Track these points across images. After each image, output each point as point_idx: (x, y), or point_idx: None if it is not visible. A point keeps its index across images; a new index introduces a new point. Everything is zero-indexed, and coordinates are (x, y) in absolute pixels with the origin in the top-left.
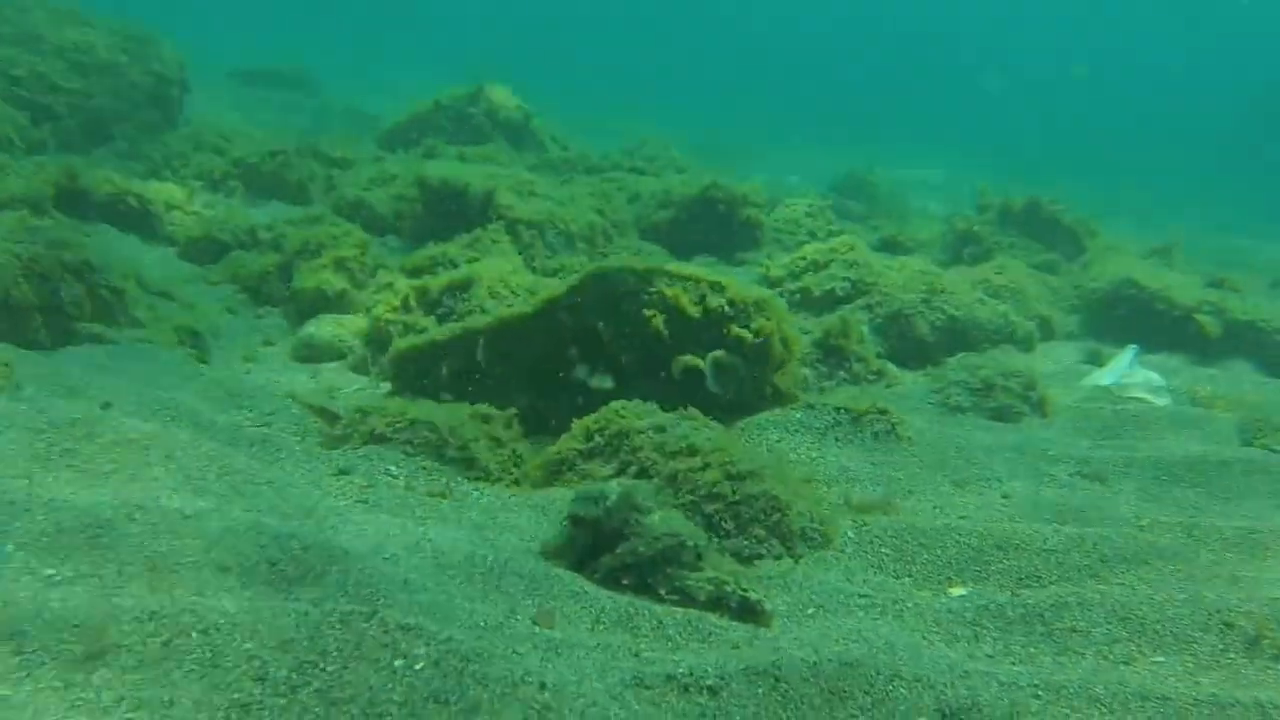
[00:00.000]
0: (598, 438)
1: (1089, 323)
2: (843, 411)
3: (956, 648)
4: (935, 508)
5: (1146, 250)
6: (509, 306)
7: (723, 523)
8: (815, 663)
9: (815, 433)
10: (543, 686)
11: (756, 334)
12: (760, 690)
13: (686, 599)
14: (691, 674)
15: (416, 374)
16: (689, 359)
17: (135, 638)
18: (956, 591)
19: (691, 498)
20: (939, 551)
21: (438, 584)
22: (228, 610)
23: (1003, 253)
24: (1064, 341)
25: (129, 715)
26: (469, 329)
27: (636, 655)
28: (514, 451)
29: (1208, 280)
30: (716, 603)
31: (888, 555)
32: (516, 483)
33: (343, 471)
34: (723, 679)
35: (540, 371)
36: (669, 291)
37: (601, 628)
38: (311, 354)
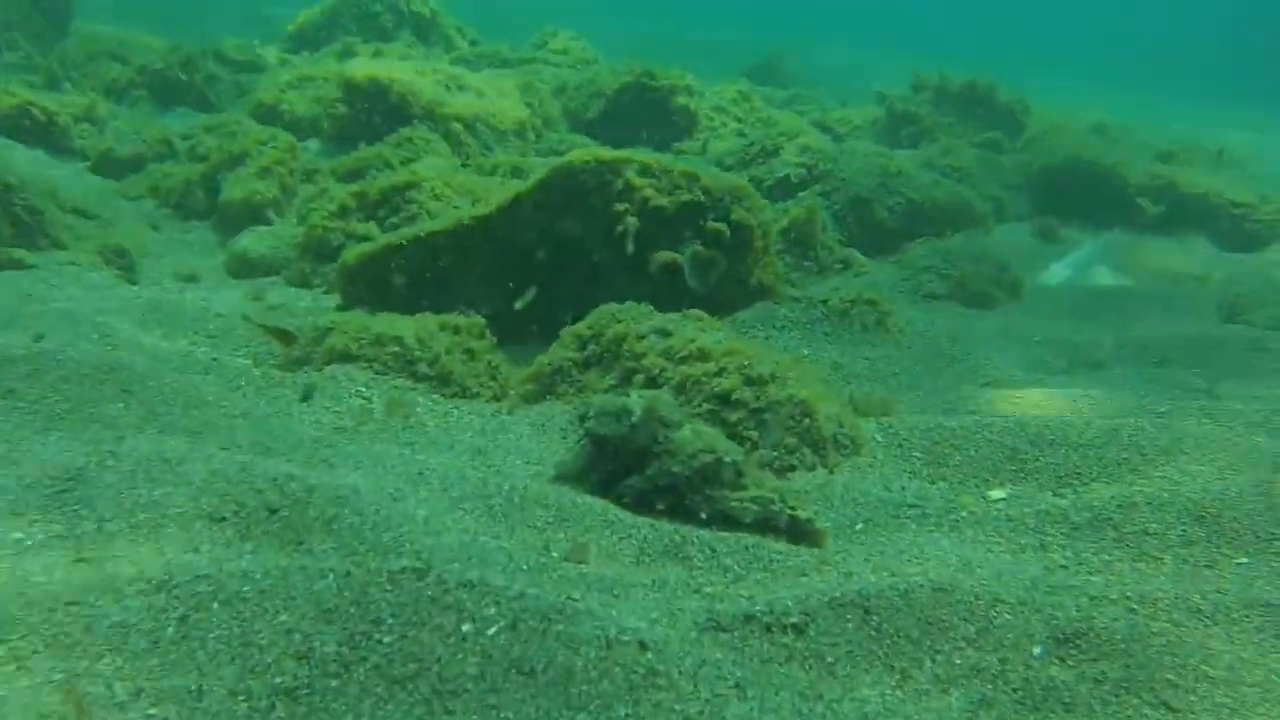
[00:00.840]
0: (592, 345)
1: (1037, 201)
2: (829, 305)
3: (1026, 559)
4: (946, 404)
5: (1089, 126)
6: (458, 208)
7: (746, 433)
8: (906, 590)
9: (803, 328)
10: (643, 646)
11: (735, 226)
12: (850, 625)
13: (731, 522)
14: (771, 611)
15: (369, 285)
16: (666, 255)
17: (144, 615)
18: (996, 494)
19: (708, 406)
20: (971, 452)
21: (457, 521)
22: (250, 573)
23: (943, 133)
24: (1016, 222)
25: (151, 712)
26: (426, 233)
27: (698, 592)
28: (490, 364)
29: (1157, 155)
30: (764, 524)
31: (919, 459)
32: (496, 398)
33: (308, 396)
34: (807, 615)
35: (508, 276)
36: (639, 183)
37: (649, 561)
38: (246, 269)
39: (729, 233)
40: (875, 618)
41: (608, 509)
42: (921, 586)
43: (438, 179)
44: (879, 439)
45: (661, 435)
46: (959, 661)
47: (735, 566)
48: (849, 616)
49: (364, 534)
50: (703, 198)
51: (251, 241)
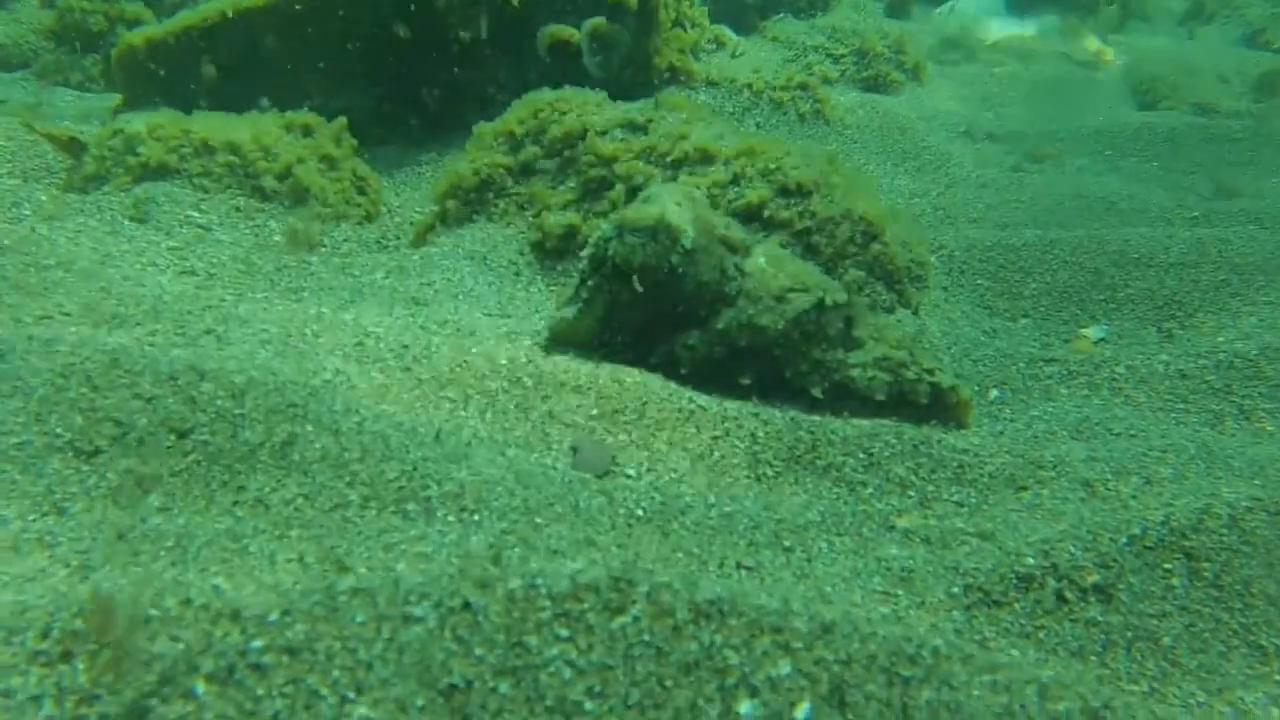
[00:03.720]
0: (531, 146)
1: None
2: (757, 90)
3: (1231, 429)
4: (940, 210)
5: None
6: None
7: None
8: (1226, 516)
9: (731, 119)
10: (826, 629)
11: None
12: (1176, 583)
13: (853, 398)
14: (1051, 565)
15: (161, 80)
16: (558, 30)
17: None
18: (1090, 332)
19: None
20: (1047, 278)
21: (464, 428)
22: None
23: None
24: None
25: None
26: (237, 8)
27: (894, 529)
28: (355, 174)
29: None
30: (899, 400)
31: (988, 288)
32: (368, 218)
33: (142, 219)
34: (1109, 569)
35: (357, 61)
36: None
37: (775, 474)
38: None
39: (634, 3)
40: (1209, 567)
41: (673, 390)
42: (1232, 506)
43: None
44: (933, 261)
45: (731, 266)
46: None
47: (914, 478)
48: (1168, 566)
49: (351, 468)
50: None
51: None
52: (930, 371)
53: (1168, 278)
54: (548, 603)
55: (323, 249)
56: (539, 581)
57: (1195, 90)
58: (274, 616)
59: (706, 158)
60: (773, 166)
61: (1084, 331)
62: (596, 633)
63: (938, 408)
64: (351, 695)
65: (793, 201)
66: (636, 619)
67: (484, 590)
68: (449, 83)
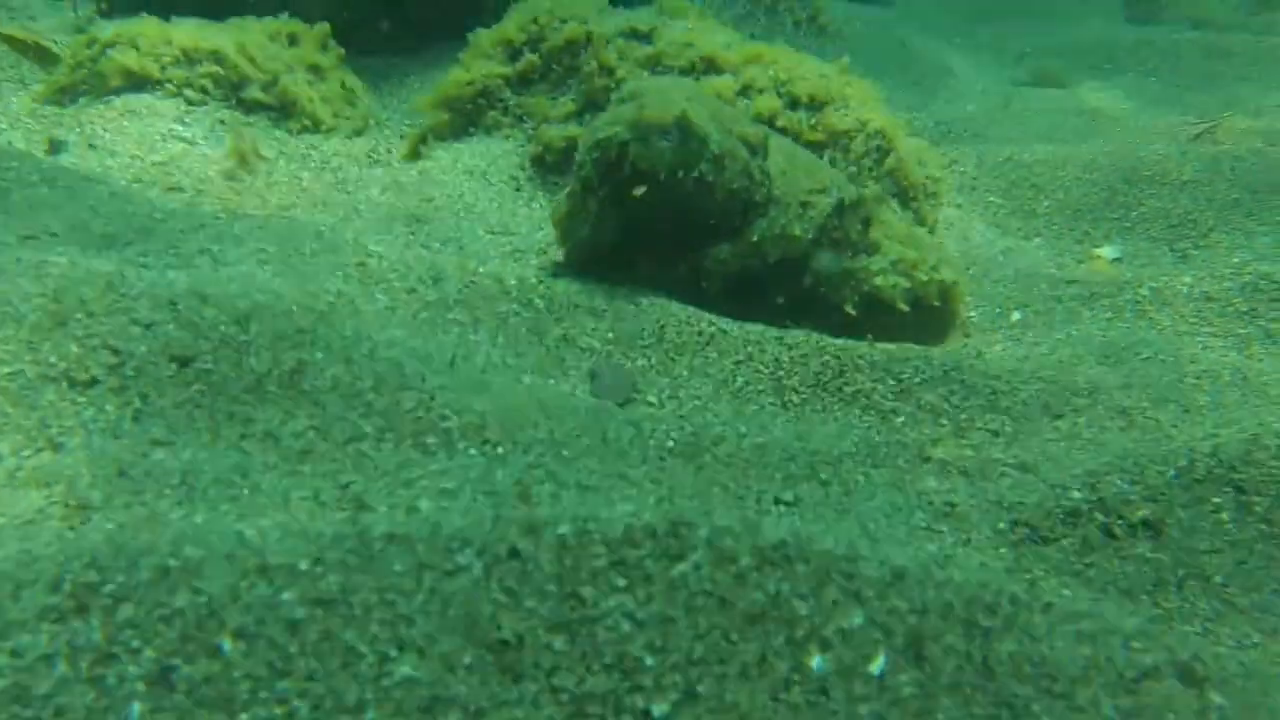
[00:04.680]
0: (529, 54)
1: None
2: None
3: (1259, 353)
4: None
5: None
6: None
7: None
8: (1250, 440)
9: (724, 26)
10: (898, 575)
11: None
12: (1227, 517)
13: (877, 309)
14: (1100, 501)
15: None
16: None
17: None
18: (1105, 252)
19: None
20: (1059, 195)
21: (478, 353)
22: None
23: None
24: None
25: None
26: None
27: (929, 461)
28: (343, 85)
29: None
30: (914, 304)
31: (1000, 205)
32: (358, 132)
33: (57, 150)
34: (1157, 503)
35: None
36: None
37: (802, 400)
38: None
39: None
40: (1260, 502)
41: (691, 312)
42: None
43: None
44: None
45: (757, 170)
46: None
47: (947, 406)
48: (1217, 500)
49: (365, 398)
50: None
51: None
52: (935, 268)
53: (1181, 196)
54: (602, 549)
55: (325, 162)
56: (591, 526)
57: (1191, 4)
58: (304, 566)
59: (714, 67)
60: (784, 77)
61: (1098, 251)
62: (655, 582)
63: (945, 306)
64: (393, 653)
65: (805, 114)
66: (697, 566)
67: (532, 536)
68: None
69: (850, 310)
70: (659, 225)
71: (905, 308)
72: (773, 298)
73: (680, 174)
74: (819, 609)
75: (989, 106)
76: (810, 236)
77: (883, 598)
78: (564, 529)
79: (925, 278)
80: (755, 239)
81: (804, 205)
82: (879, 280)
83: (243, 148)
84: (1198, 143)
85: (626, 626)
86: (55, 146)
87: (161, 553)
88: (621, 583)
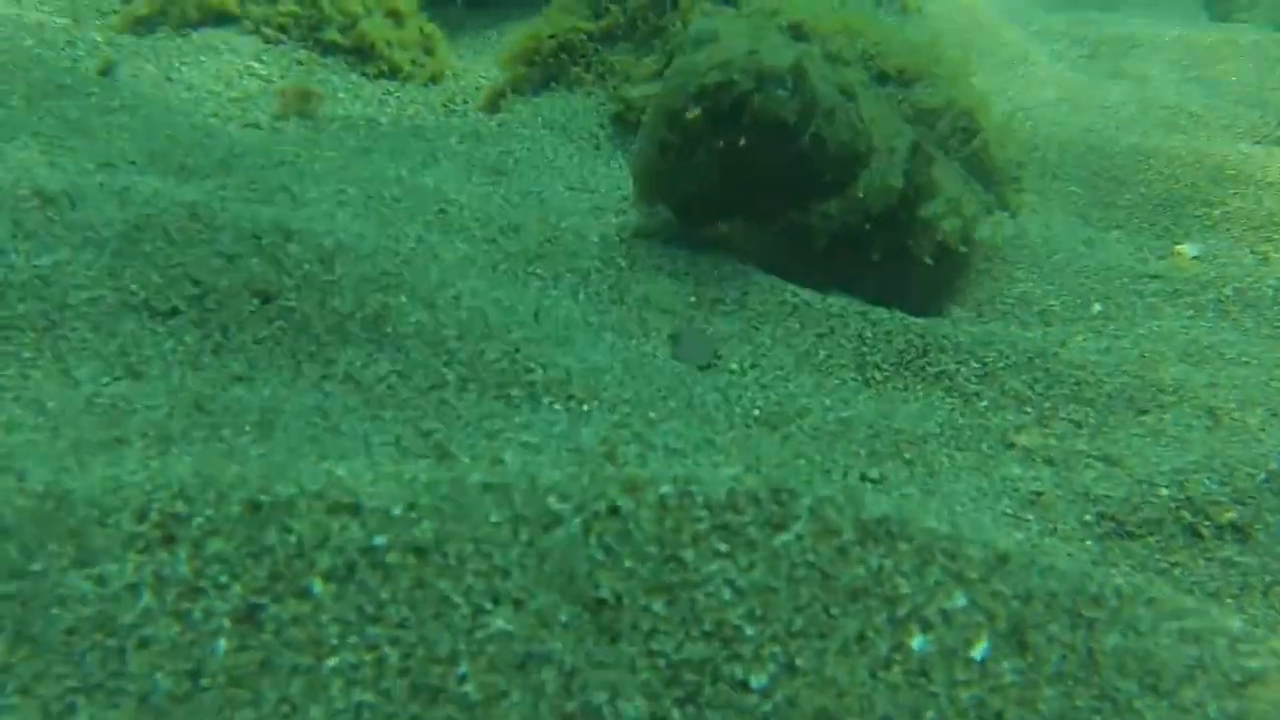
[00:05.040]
0: (615, 9)
1: None
2: None
3: None
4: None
5: None
6: None
7: None
8: None
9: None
10: (1002, 559)
11: None
12: None
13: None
14: (1188, 500)
15: None
16: None
17: None
18: (1185, 250)
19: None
20: (1142, 189)
21: (558, 307)
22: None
23: None
24: None
25: None
26: None
27: (1012, 447)
28: (423, 32)
29: None
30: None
31: (1080, 196)
32: (434, 79)
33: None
34: (1245, 506)
35: None
36: None
37: (884, 378)
38: None
39: None
40: None
41: (774, 281)
42: None
43: None
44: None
45: (857, 118)
46: None
47: (1031, 393)
48: None
49: (448, 346)
50: None
51: None
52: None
53: (1265, 197)
54: (704, 513)
55: (402, 109)
56: (694, 488)
57: (1275, 5)
58: (398, 510)
59: (801, 34)
60: (873, 50)
61: (1179, 248)
62: (758, 549)
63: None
64: (488, 605)
65: (892, 88)
66: (800, 537)
67: (633, 494)
68: None
69: (929, 261)
70: (765, 180)
71: (965, 249)
72: (868, 254)
73: (802, 125)
74: (921, 588)
75: (1067, 92)
76: (901, 186)
77: (986, 581)
78: (665, 489)
79: (970, 213)
80: (861, 193)
81: (890, 151)
82: (946, 225)
83: (288, 94)
84: None
85: (727, 594)
86: (109, 69)
87: (251, 487)
88: (723, 548)
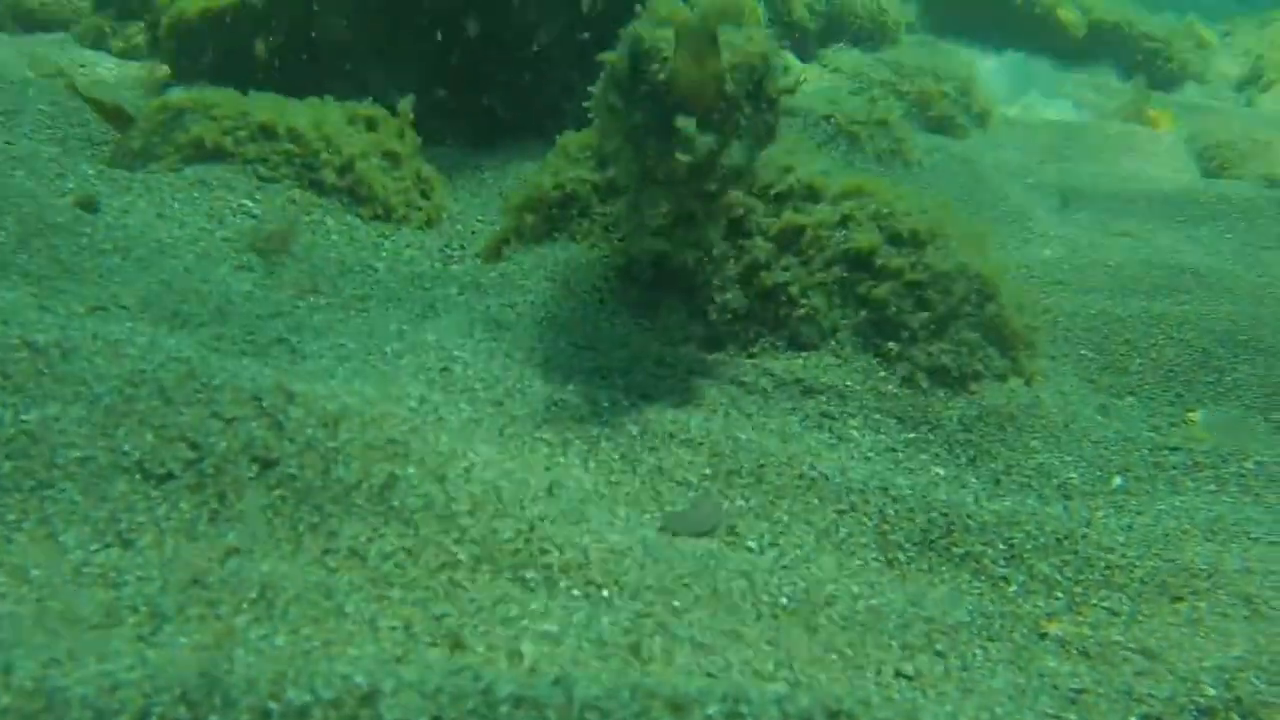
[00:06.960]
0: None
1: (931, 15)
2: (834, 122)
3: None
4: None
5: None
6: None
7: (899, 316)
8: None
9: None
10: None
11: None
12: None
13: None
14: (1237, 700)
15: (213, 50)
16: None
17: None
18: (1198, 417)
19: (838, 273)
20: (1152, 354)
21: (570, 478)
22: None
23: None
24: (906, 33)
25: None
26: None
27: (1044, 635)
28: (418, 175)
29: None
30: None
31: (1092, 360)
32: (430, 223)
33: (90, 207)
34: None
35: (417, 51)
36: None
37: (909, 560)
38: (23, 16)
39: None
40: None
41: (792, 453)
42: None
43: None
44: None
45: None
46: None
47: (1060, 577)
48: None
49: (459, 522)
50: None
51: None
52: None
53: (1277, 363)
54: None
55: (398, 254)
56: (743, 709)
57: (1265, 161)
58: None
59: (812, 194)
60: (885, 211)
61: (1191, 416)
62: None
63: None
64: None
65: (905, 250)
66: None
67: (679, 714)
68: (516, 86)
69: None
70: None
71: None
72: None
73: None
74: None
75: (1067, 251)
76: None
77: None
78: (712, 709)
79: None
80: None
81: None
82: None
83: (270, 236)
84: None
85: None
86: (86, 204)
87: (261, 693)
88: None
